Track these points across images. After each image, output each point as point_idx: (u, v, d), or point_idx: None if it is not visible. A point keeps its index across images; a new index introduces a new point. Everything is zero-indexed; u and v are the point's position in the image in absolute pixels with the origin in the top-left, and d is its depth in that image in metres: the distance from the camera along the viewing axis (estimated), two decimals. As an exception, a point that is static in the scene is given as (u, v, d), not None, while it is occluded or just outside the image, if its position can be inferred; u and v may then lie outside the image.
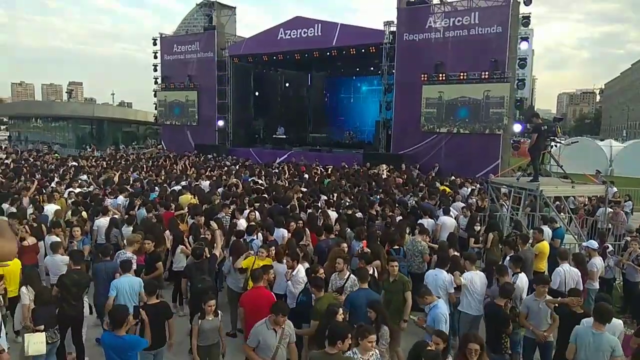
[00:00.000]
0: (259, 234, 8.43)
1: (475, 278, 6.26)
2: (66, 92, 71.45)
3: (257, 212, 9.86)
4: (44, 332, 5.24)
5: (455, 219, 10.29)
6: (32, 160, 22.06)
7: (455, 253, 7.35)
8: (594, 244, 7.89)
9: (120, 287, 6.04)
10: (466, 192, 13.91)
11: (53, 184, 13.42)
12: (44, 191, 12.40)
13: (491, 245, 8.84)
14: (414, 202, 11.84)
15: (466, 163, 19.34)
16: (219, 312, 5.61)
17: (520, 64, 19.59)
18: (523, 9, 19.14)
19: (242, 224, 9.01)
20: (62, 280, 5.98)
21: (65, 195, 11.91)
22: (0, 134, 64.11)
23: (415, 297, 5.94)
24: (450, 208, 10.60)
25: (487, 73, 19.61)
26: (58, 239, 7.55)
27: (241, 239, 7.92)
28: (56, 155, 26.06)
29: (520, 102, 20.23)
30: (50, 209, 10.05)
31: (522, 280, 6.49)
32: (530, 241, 8.30)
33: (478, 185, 14.79)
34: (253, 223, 8.67)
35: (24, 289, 5.88)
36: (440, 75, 20.71)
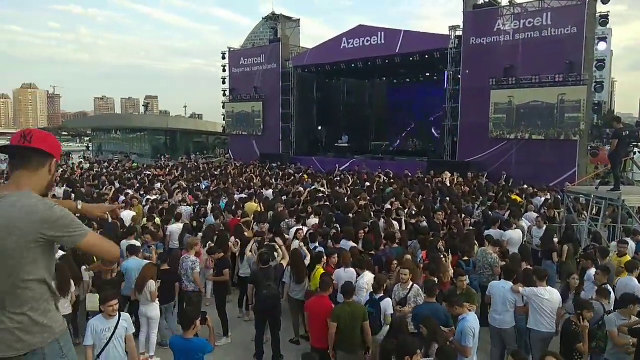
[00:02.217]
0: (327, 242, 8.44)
1: (543, 293, 5.85)
2: (143, 106, 75.98)
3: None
4: (97, 294, 6.24)
5: (528, 230, 9.76)
6: (112, 169, 23.71)
7: (528, 267, 6.94)
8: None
9: (129, 268, 6.95)
10: (539, 201, 13.15)
11: (131, 192, 14.30)
12: (123, 198, 13.23)
13: (566, 258, 8.29)
14: (480, 211, 11.38)
15: (540, 171, 18.34)
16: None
17: (598, 66, 18.37)
18: (600, 8, 17.94)
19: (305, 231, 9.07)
20: (99, 279, 6.76)
21: (143, 202, 12.65)
22: (84, 145, 69.57)
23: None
24: (522, 219, 10.07)
25: (561, 76, 18.56)
26: (137, 243, 8.00)
27: (303, 247, 7.98)
28: (134, 164, 27.85)
29: (599, 106, 18.93)
30: (126, 215, 10.72)
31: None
32: (612, 255, 7.70)
33: (552, 195, 13.95)
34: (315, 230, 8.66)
35: (83, 267, 7.05)
36: (510, 79, 19.87)
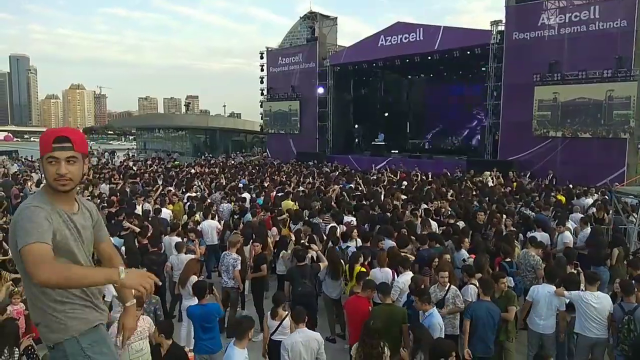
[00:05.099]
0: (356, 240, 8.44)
1: (589, 298, 5.62)
2: (184, 105, 78.12)
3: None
4: None
5: (574, 231, 9.39)
6: (155, 167, 24.46)
7: (574, 270, 6.69)
8: None
9: (175, 263, 7.64)
10: (584, 202, 12.60)
11: (172, 189, 14.72)
12: (165, 195, 13.64)
13: (616, 262, 7.93)
14: (522, 212, 11.03)
15: (586, 170, 17.62)
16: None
17: (650, 61, 17.46)
18: (654, -1, 17.05)
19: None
20: (143, 260, 7.25)
21: (184, 199, 13.00)
22: (126, 144, 72.07)
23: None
24: (569, 220, 9.69)
25: (609, 71, 17.77)
26: (180, 240, 8.26)
27: (336, 246, 8.01)
28: (176, 162, 28.63)
29: (651, 102, 18.01)
30: (164, 212, 11.07)
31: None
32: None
33: (600, 195, 13.35)
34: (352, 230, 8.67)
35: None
36: (556, 75, 19.21)
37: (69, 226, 2.29)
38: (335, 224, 9.33)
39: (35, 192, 2.24)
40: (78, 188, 2.42)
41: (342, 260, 7.34)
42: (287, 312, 5.49)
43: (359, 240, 8.34)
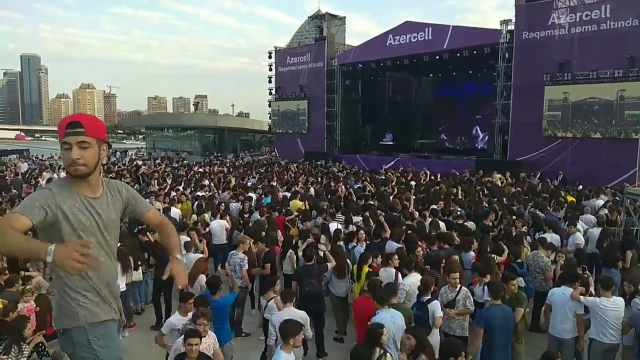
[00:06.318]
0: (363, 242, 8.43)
1: (606, 304, 5.54)
2: (193, 105, 78.41)
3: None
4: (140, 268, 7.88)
5: (584, 232, 9.30)
6: (163, 166, 24.60)
7: (584, 274, 6.61)
8: None
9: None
10: (594, 203, 12.46)
11: (181, 188, 14.79)
12: (173, 194, 13.71)
13: (630, 265, 7.83)
14: (533, 213, 10.94)
15: (597, 171, 17.45)
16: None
17: (663, 60, 17.25)
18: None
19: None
20: (154, 250, 7.92)
21: (192, 198, 13.06)
22: (138, 143, 72.33)
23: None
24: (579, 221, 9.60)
25: (621, 71, 17.59)
26: (189, 239, 8.30)
27: (337, 244, 8.02)
28: (185, 162, 28.75)
29: (663, 102, 17.78)
30: (174, 211, 11.11)
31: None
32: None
33: (611, 196, 13.22)
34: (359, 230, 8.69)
35: None
36: (566, 74, 19.04)
37: (90, 211, 2.31)
38: (339, 227, 9.30)
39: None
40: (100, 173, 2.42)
41: (348, 260, 7.34)
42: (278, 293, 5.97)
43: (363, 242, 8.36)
